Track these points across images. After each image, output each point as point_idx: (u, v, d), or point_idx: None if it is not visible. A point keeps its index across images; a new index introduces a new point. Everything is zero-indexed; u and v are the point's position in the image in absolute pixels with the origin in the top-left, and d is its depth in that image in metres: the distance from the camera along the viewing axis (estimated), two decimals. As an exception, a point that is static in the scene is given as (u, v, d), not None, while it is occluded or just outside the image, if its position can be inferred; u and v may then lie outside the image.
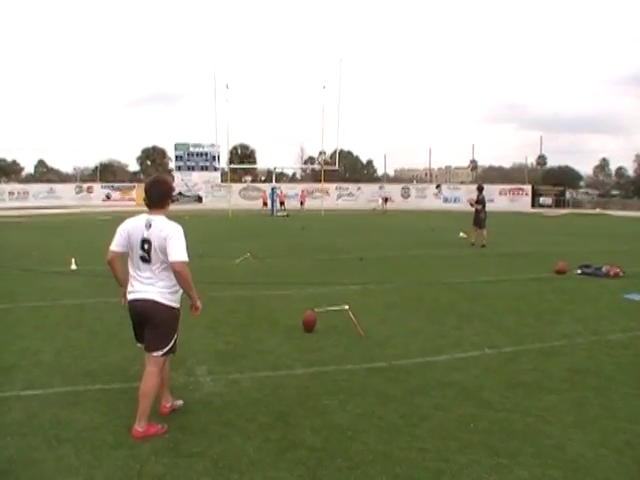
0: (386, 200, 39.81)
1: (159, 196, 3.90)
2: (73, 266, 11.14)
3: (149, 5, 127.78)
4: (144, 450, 3.58)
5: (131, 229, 3.89)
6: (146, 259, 3.81)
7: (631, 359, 5.51)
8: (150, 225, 3.81)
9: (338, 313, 6.60)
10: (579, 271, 10.80)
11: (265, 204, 37.99)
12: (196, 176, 49.33)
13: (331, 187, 49.94)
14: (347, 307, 6.52)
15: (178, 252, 3.71)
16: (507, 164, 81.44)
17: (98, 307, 7.71)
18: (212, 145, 48.18)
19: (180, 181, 49.72)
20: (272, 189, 35.28)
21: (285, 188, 44.31)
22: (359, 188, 50.70)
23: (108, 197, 48.28)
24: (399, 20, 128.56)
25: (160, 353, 3.86)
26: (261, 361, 5.37)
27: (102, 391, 4.60)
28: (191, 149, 50.18)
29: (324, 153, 58.03)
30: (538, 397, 4.51)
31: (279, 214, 33.33)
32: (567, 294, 8.84)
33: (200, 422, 4.01)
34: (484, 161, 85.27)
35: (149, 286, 3.81)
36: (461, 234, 18.62)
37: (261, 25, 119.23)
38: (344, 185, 52.75)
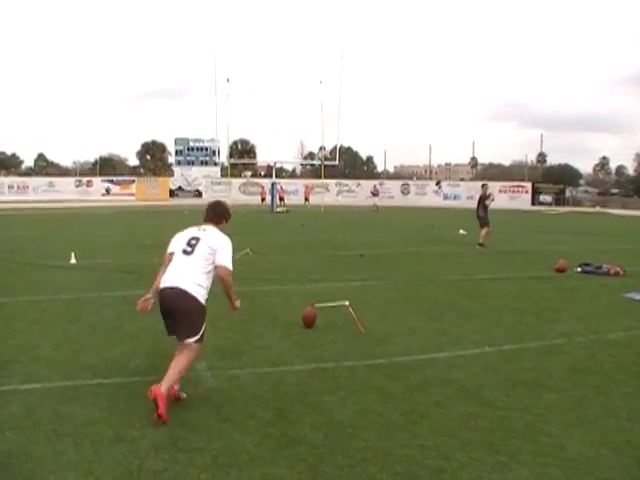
0: (376, 193, 37.89)
1: (215, 213, 4.48)
2: (73, 260, 11.12)
3: (149, 0, 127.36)
4: (144, 445, 3.57)
5: (183, 233, 4.38)
6: (188, 252, 4.17)
7: (631, 358, 5.50)
8: (205, 230, 4.32)
9: (338, 309, 6.60)
10: (579, 269, 10.79)
11: (264, 199, 37.94)
12: (196, 171, 49.30)
13: (331, 183, 49.87)
14: (347, 303, 6.51)
15: (227, 260, 4.18)
16: (507, 162, 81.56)
17: (97, 301, 7.70)
18: (212, 140, 48.18)
19: (180, 176, 49.74)
20: (272, 184, 35.21)
21: (285, 184, 44.27)
22: (359, 184, 50.62)
23: (108, 191, 48.20)
24: (400, 16, 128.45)
25: (192, 340, 4.13)
26: (261, 357, 5.37)
27: (101, 386, 4.59)
28: (191, 144, 50.15)
29: (324, 149, 57.99)
30: (538, 396, 4.50)
31: (279, 210, 33.29)
32: (567, 292, 8.84)
33: (200, 418, 4.00)
34: (484, 158, 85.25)
35: (184, 278, 4.10)
36: (461, 231, 18.61)
37: (262, 20, 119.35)
38: (344, 181, 52.69)
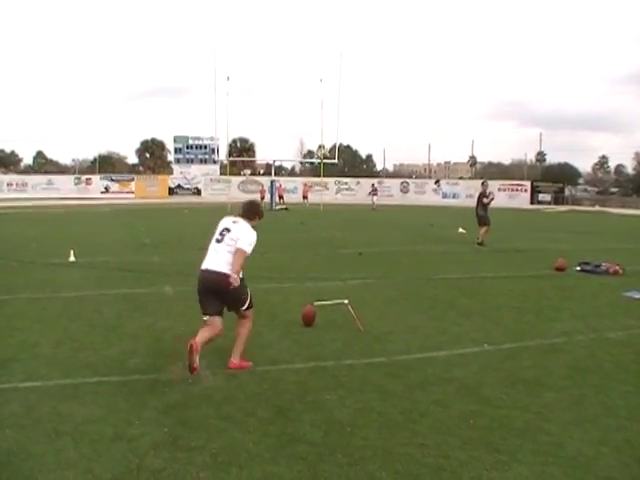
0: (374, 192, 37.28)
1: (248, 211, 5.16)
2: (72, 258, 11.11)
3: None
4: (143, 444, 3.57)
5: (221, 223, 5.09)
6: (219, 240, 4.95)
7: (631, 357, 5.51)
8: (236, 222, 5.04)
9: (338, 308, 6.60)
10: (578, 268, 10.80)
11: (263, 198, 37.87)
12: (195, 169, 49.24)
13: (330, 181, 49.82)
14: (346, 301, 6.51)
15: (244, 244, 4.84)
16: (506, 161, 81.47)
17: (97, 299, 7.70)
18: (211, 138, 48.08)
19: (179, 174, 49.68)
20: (271, 183, 35.16)
21: (284, 182, 44.23)
22: (358, 182, 50.57)
23: (107, 189, 48.12)
24: (400, 15, 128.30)
25: (244, 308, 5.02)
26: (260, 355, 5.36)
27: (101, 384, 4.58)
28: (190, 142, 50.07)
29: (323, 147, 57.80)
30: (538, 394, 4.51)
31: (278, 208, 33.25)
32: (566, 291, 8.84)
33: (199, 416, 4.00)
34: (483, 157, 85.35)
35: (218, 261, 4.86)
36: (460, 230, 18.60)
37: (262, 18, 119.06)
38: (343, 180, 52.61)
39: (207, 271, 4.91)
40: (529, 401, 4.36)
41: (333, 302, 6.67)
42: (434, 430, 3.83)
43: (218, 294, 4.87)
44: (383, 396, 4.41)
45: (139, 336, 5.94)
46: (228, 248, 4.86)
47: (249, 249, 4.89)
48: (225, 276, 4.73)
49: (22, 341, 5.69)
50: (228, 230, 4.96)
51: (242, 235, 4.90)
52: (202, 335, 4.82)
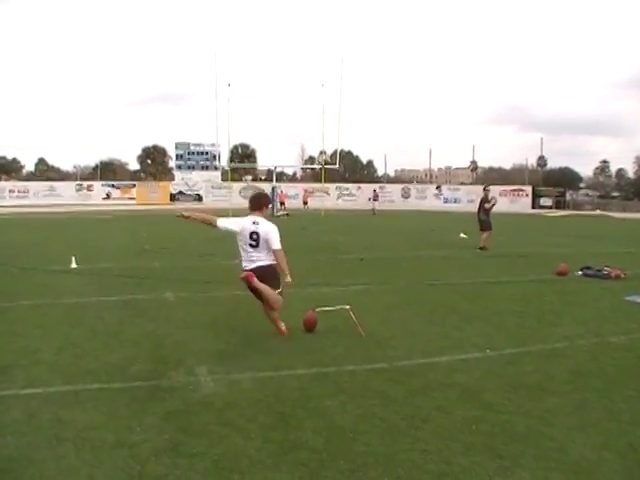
0: (375, 198, 37.44)
1: (259, 203, 6.09)
2: (73, 264, 11.12)
3: (151, 4, 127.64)
4: (145, 450, 3.56)
5: (244, 225, 5.92)
6: (254, 245, 5.87)
7: (633, 361, 5.49)
8: (257, 223, 5.90)
9: (339, 313, 6.59)
10: (580, 273, 10.78)
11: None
12: (196, 175, 49.36)
13: (331, 187, 49.91)
14: (348, 307, 6.50)
15: (277, 244, 5.86)
16: (507, 165, 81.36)
17: (98, 306, 7.70)
18: (213, 144, 48.12)
19: (180, 180, 49.77)
20: (272, 188, 35.15)
21: (285, 187, 44.27)
22: (359, 188, 50.68)
23: (108, 196, 48.26)
24: (400, 20, 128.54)
25: (279, 290, 5.97)
26: (262, 361, 5.35)
27: (102, 390, 4.58)
28: (192, 148, 50.21)
29: (324, 153, 57.89)
30: (540, 399, 4.49)
31: (279, 214, 33.27)
32: (568, 296, 8.82)
33: (200, 422, 3.99)
34: (484, 162, 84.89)
35: (259, 259, 5.87)
36: (462, 235, 18.60)
37: (263, 24, 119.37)
38: (344, 185, 52.72)
39: (253, 270, 5.83)
40: (531, 406, 4.34)
41: (334, 308, 6.66)
42: (436, 436, 3.82)
43: (265, 278, 5.84)
44: (385, 402, 4.40)
45: (140, 342, 5.93)
46: (265, 250, 5.88)
47: (280, 245, 5.90)
48: (270, 267, 5.92)
49: (23, 347, 5.69)
50: (257, 234, 5.85)
51: (270, 236, 5.86)
52: (271, 316, 6.21)
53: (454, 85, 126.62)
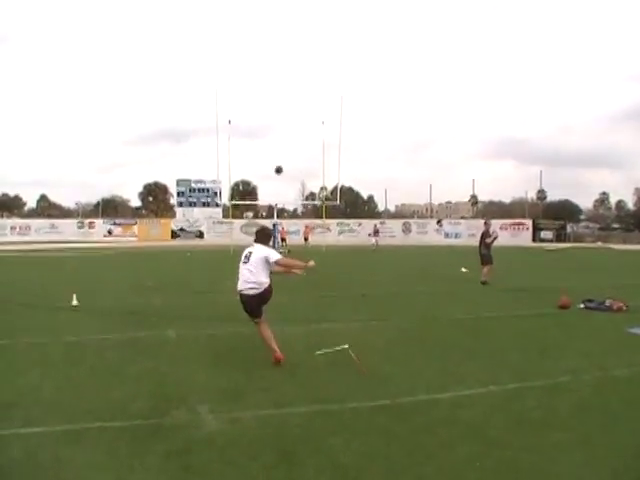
0: (376, 232, 37.45)
1: (262, 236, 6.76)
2: (74, 302, 11.11)
3: (154, 42, 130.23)
4: (145, 490, 3.52)
5: (243, 253, 6.62)
6: (245, 262, 6.45)
7: (638, 394, 5.45)
8: (254, 246, 6.57)
9: (341, 350, 6.56)
10: (582, 306, 10.76)
11: (266, 240, 38.00)
12: (198, 212, 49.67)
13: (332, 223, 50.16)
14: (347, 346, 6.46)
15: (276, 256, 6.49)
16: (507, 199, 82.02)
17: (99, 343, 7.68)
18: (214, 181, 48.63)
19: (182, 217, 50.07)
20: (273, 225, 35.29)
21: (287, 224, 44.48)
22: (360, 224, 50.90)
23: (110, 233, 48.56)
24: (399, 57, 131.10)
25: (259, 319, 6.62)
26: (264, 398, 5.32)
27: (103, 429, 4.54)
28: (193, 185, 50.67)
29: (325, 189, 58.49)
30: (545, 435, 4.45)
31: (281, 250, 33.34)
32: (571, 329, 8.80)
33: (202, 461, 3.95)
34: (484, 196, 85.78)
35: (246, 281, 6.42)
36: (463, 269, 18.61)
37: (264, 62, 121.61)
38: (345, 221, 53.06)
39: (240, 291, 6.45)
40: (536, 442, 4.31)
41: (333, 349, 6.62)
42: (440, 473, 3.78)
43: (251, 304, 6.48)
44: (388, 439, 4.36)
45: (141, 380, 5.91)
46: (254, 266, 6.38)
47: (279, 255, 6.53)
48: (265, 290, 6.45)
49: (23, 385, 5.66)
50: (251, 253, 6.48)
51: (267, 253, 6.44)
52: (268, 334, 6.56)
53: (453, 120, 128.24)
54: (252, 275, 6.39)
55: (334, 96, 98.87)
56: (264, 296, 6.49)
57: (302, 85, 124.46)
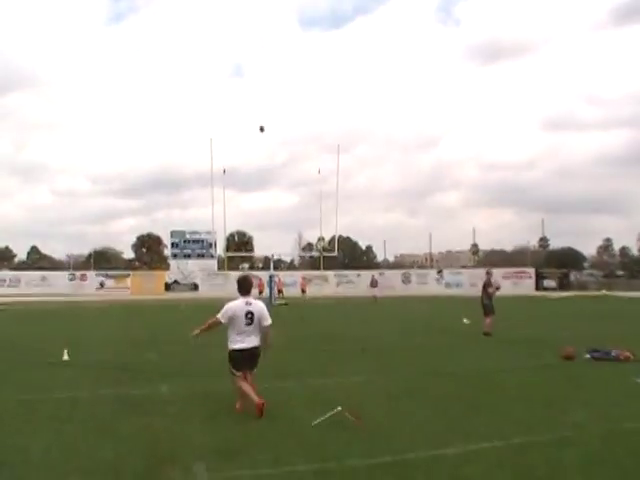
0: (375, 284, 37.07)
1: (249, 286, 7.14)
2: (65, 357, 11.05)
3: (145, 89, 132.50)
4: None
5: (236, 309, 6.80)
6: (249, 323, 6.78)
7: (648, 449, 5.40)
8: (250, 303, 6.87)
9: (341, 403, 6.50)
10: (588, 356, 10.73)
11: (261, 292, 38.00)
12: (192, 264, 49.72)
13: (330, 274, 50.22)
14: (339, 408, 6.35)
15: (269, 320, 6.92)
16: (509, 247, 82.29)
17: (91, 400, 7.61)
18: (209, 232, 48.93)
19: (176, 269, 50.08)
20: (270, 277, 35.33)
21: (283, 275, 44.51)
22: (359, 275, 50.85)
23: (102, 285, 48.35)
24: (396, 103, 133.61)
25: (255, 370, 7.03)
26: (261, 457, 5.26)
27: (94, 490, 4.48)
28: (187, 236, 50.94)
29: (323, 239, 58.76)
30: (552, 491, 4.40)
31: (277, 302, 33.24)
32: (577, 380, 8.76)
33: (197, 523, 3.89)
34: (485, 245, 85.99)
35: (253, 338, 6.84)
36: (465, 320, 18.58)
37: (257, 109, 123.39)
38: (343, 272, 53.07)
39: (248, 349, 6.81)
40: (543, 499, 4.25)
41: (327, 415, 6.44)
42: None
43: (250, 359, 6.88)
44: (390, 497, 4.30)
45: (134, 438, 5.84)
46: (258, 327, 6.83)
47: (270, 321, 6.94)
48: (259, 348, 6.92)
49: (11, 445, 5.59)
50: (252, 313, 6.78)
51: (263, 314, 6.88)
52: (249, 388, 6.80)
53: (451, 168, 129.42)
54: (254, 333, 6.85)
55: (332, 145, 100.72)
56: (260, 347, 6.99)
57: (297, 134, 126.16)
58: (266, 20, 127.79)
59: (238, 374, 6.88)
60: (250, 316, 6.79)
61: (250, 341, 6.81)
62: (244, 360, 6.82)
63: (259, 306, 6.95)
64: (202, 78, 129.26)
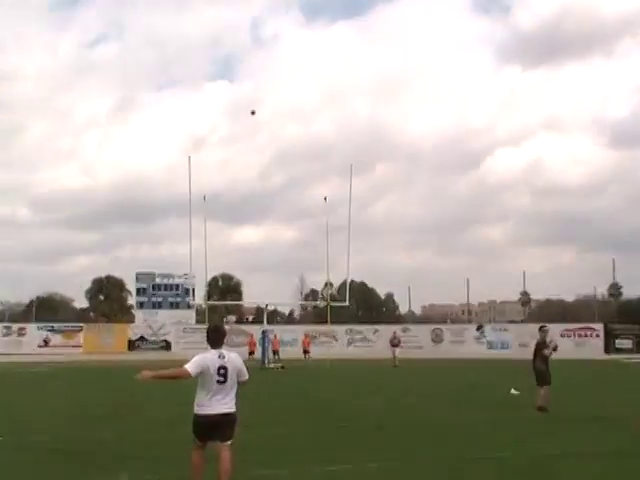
0: (397, 343, 37.22)
1: (222, 336, 7.17)
2: (-3, 436, 11.00)
3: (107, 91, 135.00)
4: None
5: (208, 362, 6.71)
6: (222, 381, 6.69)
7: None
8: (224, 357, 6.81)
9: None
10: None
11: (252, 352, 37.88)
12: (164, 315, 49.90)
13: (340, 330, 50.07)
14: None
15: (246, 374, 7.10)
16: (569, 297, 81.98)
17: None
18: (185, 275, 49.10)
19: (142, 322, 50.15)
20: (263, 333, 35.29)
21: (280, 331, 44.42)
22: (376, 331, 50.69)
23: (46, 342, 48.35)
24: (424, 110, 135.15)
25: (231, 441, 6.80)
26: None
27: None
28: (158, 280, 51.24)
29: (331, 285, 58.78)
30: None
31: (272, 366, 33.10)
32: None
33: None
34: (539, 293, 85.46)
35: (227, 401, 6.77)
36: (512, 391, 18.43)
37: (240, 123, 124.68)
38: (357, 327, 52.98)
39: (217, 415, 6.65)
40: None
41: None
42: None
43: (218, 428, 6.70)
44: None
45: None
46: (234, 386, 6.86)
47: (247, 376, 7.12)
48: (235, 415, 6.84)
49: None
50: (225, 369, 6.72)
51: (240, 368, 6.95)
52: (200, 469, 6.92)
53: (495, 194, 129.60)
54: (229, 394, 6.83)
55: (341, 163, 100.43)
56: (236, 414, 6.94)
57: (299, 149, 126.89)
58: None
59: (199, 443, 6.86)
60: (223, 372, 6.72)
61: (222, 405, 6.72)
62: (211, 429, 6.72)
63: (234, 359, 6.94)
64: (180, 76, 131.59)
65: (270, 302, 45.03)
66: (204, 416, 6.66)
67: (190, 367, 6.62)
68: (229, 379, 6.75)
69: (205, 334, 7.12)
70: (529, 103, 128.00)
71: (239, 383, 6.94)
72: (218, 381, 6.65)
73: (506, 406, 16.07)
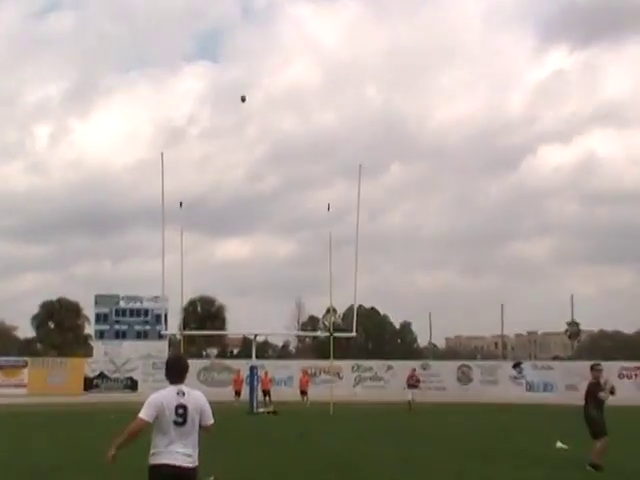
0: (414, 384, 37.58)
1: (182, 371, 6.82)
2: None
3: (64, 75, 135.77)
4: None
5: (163, 400, 6.47)
6: (181, 423, 6.41)
7: None
8: (183, 394, 6.55)
9: None
10: None
11: (239, 393, 37.76)
12: (129, 348, 49.70)
13: (345, 366, 49.91)
14: None
15: (210, 418, 6.72)
16: (629, 328, 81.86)
17: None
18: (156, 298, 48.97)
19: (102, 356, 49.97)
20: (251, 369, 35.18)
21: (272, 367, 44.29)
22: (390, 368, 50.51)
23: (-18, 380, 48.20)
24: (449, 99, 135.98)
25: None
26: None
27: None
28: (122, 304, 51.09)
29: (334, 312, 58.85)
30: None
31: (262, 410, 32.99)
32: None
33: None
34: (590, 324, 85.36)
35: (188, 449, 6.45)
36: (559, 444, 18.36)
37: (235, 103, 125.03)
38: (366, 363, 52.75)
39: (174, 467, 6.31)
40: None
41: None
42: None
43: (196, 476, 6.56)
44: None
45: None
46: (195, 429, 6.55)
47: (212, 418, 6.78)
48: (195, 469, 6.48)
49: None
50: (184, 407, 6.46)
51: (202, 406, 6.67)
52: None
53: (538, 201, 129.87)
54: (189, 440, 6.55)
55: (348, 163, 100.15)
56: (198, 469, 6.65)
57: (297, 145, 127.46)
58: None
59: None
60: (181, 412, 6.46)
61: (182, 455, 6.42)
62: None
63: (197, 397, 6.70)
64: (152, 55, 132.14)
65: (260, 332, 44.96)
66: (160, 466, 6.39)
67: (143, 413, 6.46)
68: (189, 420, 6.48)
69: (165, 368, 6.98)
70: (579, 90, 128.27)
71: (202, 428, 6.66)
72: (175, 422, 6.40)
73: (550, 462, 15.97)
